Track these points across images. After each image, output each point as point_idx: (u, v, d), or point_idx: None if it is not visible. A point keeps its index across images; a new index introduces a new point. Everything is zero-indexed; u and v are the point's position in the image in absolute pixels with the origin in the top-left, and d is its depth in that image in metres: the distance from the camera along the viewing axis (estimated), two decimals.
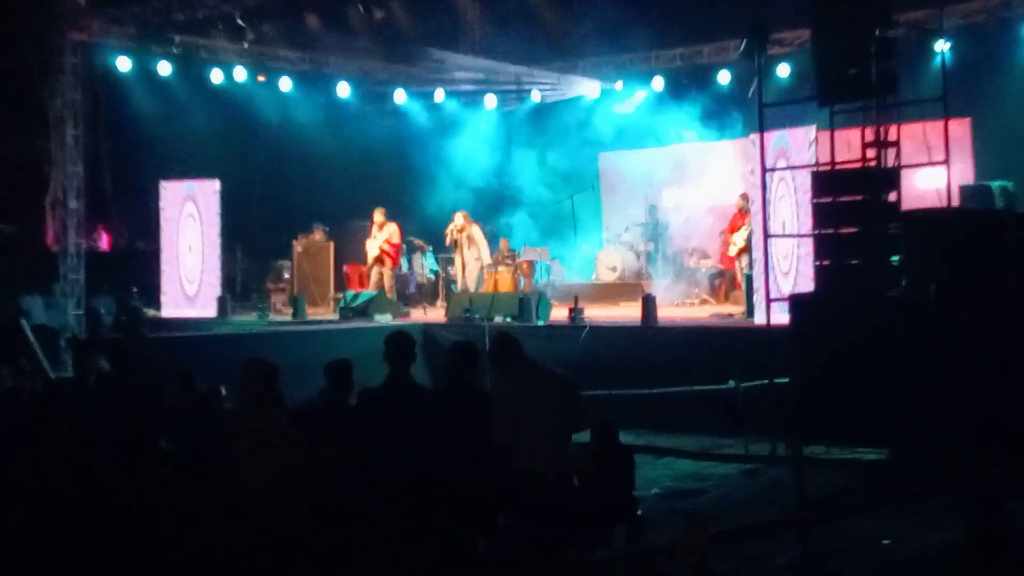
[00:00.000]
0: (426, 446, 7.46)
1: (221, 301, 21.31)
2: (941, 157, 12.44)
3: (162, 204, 22.16)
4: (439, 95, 26.93)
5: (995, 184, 16.45)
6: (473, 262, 21.79)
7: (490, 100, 27.06)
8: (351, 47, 23.92)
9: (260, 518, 7.31)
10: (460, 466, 7.55)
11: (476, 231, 21.82)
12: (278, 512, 7.35)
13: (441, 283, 23.80)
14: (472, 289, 21.30)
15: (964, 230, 11.46)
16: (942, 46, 14.38)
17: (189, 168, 22.57)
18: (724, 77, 23.94)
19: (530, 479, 7.73)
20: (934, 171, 13.23)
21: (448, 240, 21.98)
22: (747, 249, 18.51)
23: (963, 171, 18.15)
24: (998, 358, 10.42)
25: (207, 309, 21.36)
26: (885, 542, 9.39)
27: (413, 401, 7.80)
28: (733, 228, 20.12)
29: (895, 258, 11.77)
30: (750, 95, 19.03)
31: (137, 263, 23.18)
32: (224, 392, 11.14)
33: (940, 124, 12.66)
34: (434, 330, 18.53)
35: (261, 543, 7.16)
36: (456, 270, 22.23)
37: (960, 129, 19.72)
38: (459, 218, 21.67)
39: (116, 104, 23.41)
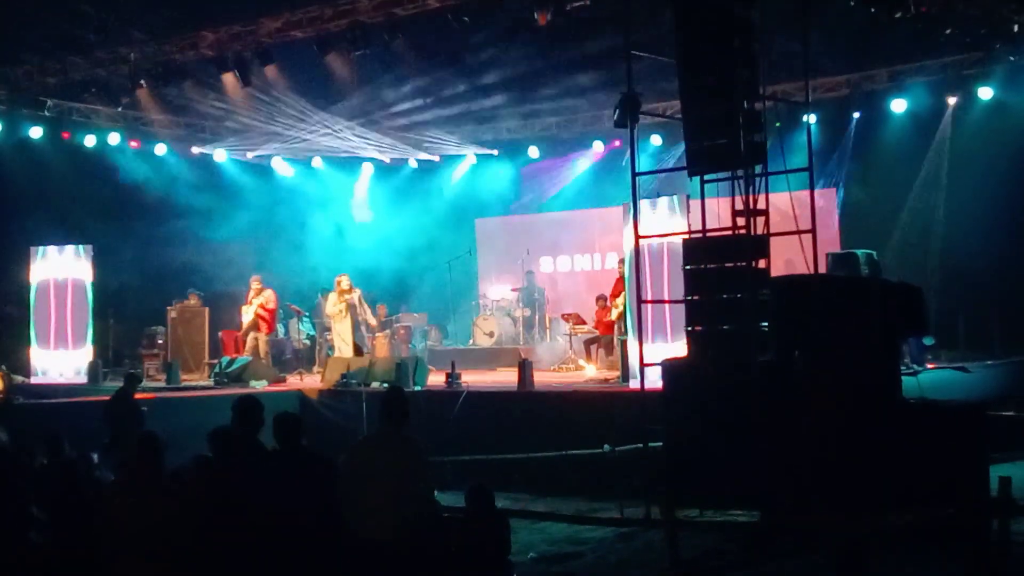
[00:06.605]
0: (278, 509, 7.45)
1: (93, 367, 20.90)
2: (808, 226, 12.75)
3: (33, 269, 21.77)
4: (316, 162, 27.02)
5: (861, 252, 16.92)
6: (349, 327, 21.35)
7: (366, 167, 27.22)
8: (226, 112, 23.82)
9: None
10: (312, 531, 7.54)
11: (358, 295, 21.53)
12: None
13: (318, 348, 23.66)
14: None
15: (831, 296, 11.73)
16: (808, 118, 14.78)
17: (61, 233, 22.18)
18: (598, 146, 24.40)
19: (392, 542, 7.71)
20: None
21: (334, 305, 21.20)
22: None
23: (829, 239, 18.63)
24: (860, 421, 10.66)
25: (78, 375, 20.99)
26: None
27: (257, 466, 7.79)
28: (615, 294, 20.23)
29: (764, 324, 11.95)
30: (623, 163, 19.33)
31: (6, 329, 22.66)
32: (96, 459, 10.98)
33: (807, 194, 13.00)
34: (311, 396, 18.41)
35: None
36: (339, 335, 21.29)
37: (826, 199, 20.31)
38: (345, 281, 21.15)
39: None
